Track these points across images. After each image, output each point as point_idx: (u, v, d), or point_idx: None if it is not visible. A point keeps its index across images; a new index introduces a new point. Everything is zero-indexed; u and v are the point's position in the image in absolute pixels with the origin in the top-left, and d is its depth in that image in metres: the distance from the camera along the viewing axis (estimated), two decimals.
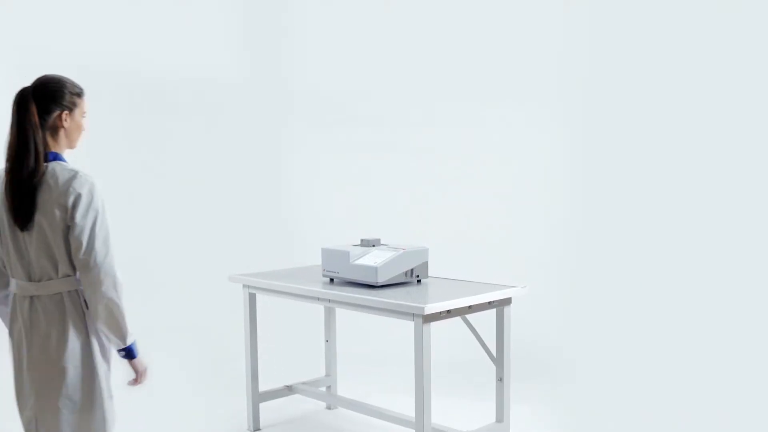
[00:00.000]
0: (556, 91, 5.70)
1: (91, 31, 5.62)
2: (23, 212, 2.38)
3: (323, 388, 4.67)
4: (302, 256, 4.90)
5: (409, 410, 3.86)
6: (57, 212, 2.37)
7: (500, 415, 3.81)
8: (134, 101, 5.74)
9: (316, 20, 6.16)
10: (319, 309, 4.78)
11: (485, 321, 3.81)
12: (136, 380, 2.60)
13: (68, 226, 2.39)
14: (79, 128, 2.55)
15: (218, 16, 6.04)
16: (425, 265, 3.92)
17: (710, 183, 5.02)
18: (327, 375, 4.71)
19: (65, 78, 2.53)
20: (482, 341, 3.82)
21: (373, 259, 3.81)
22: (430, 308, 3.28)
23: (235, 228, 6.10)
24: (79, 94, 2.54)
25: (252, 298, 4.23)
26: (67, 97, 2.49)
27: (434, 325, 3.36)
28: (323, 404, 4.72)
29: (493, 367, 3.80)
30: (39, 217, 2.39)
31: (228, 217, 6.09)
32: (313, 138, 6.28)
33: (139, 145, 5.68)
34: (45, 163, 2.41)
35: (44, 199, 2.38)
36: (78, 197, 2.37)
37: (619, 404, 4.58)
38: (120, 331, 2.46)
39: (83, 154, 5.54)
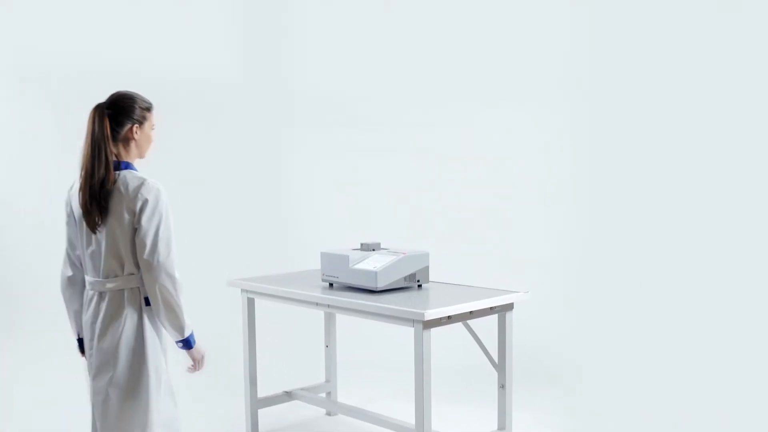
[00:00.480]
0: (557, 92, 5.63)
1: (90, 31, 5.58)
2: (95, 216, 2.64)
3: (323, 394, 4.60)
4: (301, 260, 4.84)
5: (410, 417, 3.79)
6: (126, 216, 2.63)
7: (502, 423, 3.74)
8: None
9: (316, 21, 6.11)
10: (319, 314, 4.72)
11: (487, 326, 3.74)
12: (194, 367, 2.85)
13: (135, 229, 2.63)
14: (148, 140, 2.80)
15: (218, 17, 5.99)
16: (426, 269, 3.85)
17: (715, 184, 4.95)
18: (327, 381, 4.64)
19: (137, 94, 2.78)
20: (484, 347, 3.75)
21: (372, 263, 3.74)
22: (431, 314, 3.21)
23: (233, 231, 6.03)
24: (149, 108, 2.79)
25: (250, 303, 4.17)
26: (138, 111, 2.73)
27: (435, 331, 3.30)
28: (323, 411, 4.65)
29: (495, 374, 3.73)
30: (111, 220, 2.64)
31: (226, 220, 6.03)
32: (312, 139, 6.22)
33: None
34: (117, 172, 2.67)
35: (115, 204, 2.63)
36: (145, 202, 2.62)
37: (624, 411, 4.51)
38: (178, 324, 2.70)
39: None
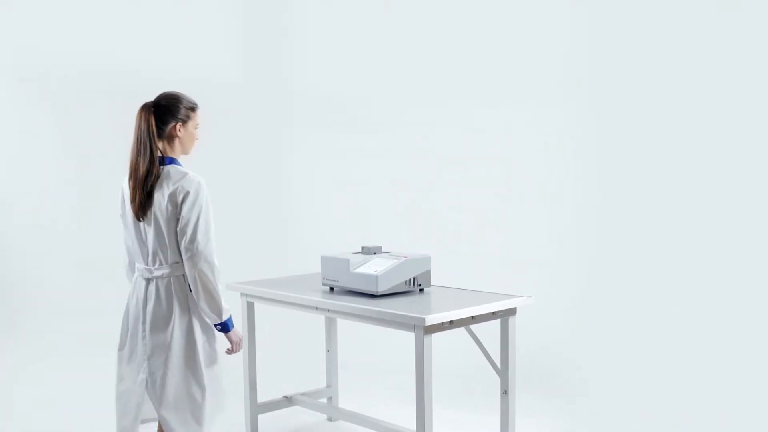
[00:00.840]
0: (558, 92, 5.55)
1: (89, 31, 5.52)
2: (140, 206, 2.85)
3: (324, 400, 4.54)
4: (301, 263, 4.77)
5: (413, 423, 3.72)
6: (170, 207, 2.82)
7: (505, 429, 3.66)
8: (133, 102, 5.61)
9: (317, 21, 6.03)
10: (320, 318, 4.65)
11: (490, 330, 3.67)
12: (232, 349, 3.05)
13: (177, 219, 2.82)
14: (191, 138, 2.99)
15: (218, 16, 5.93)
16: (428, 273, 3.78)
17: (718, 185, 4.90)
18: (328, 386, 4.57)
19: (182, 94, 2.98)
20: (486, 352, 3.68)
21: (373, 267, 3.68)
22: (432, 319, 3.14)
23: (232, 234, 5.93)
24: (193, 108, 2.99)
25: (250, 307, 4.12)
26: (183, 111, 2.94)
27: (437, 336, 3.23)
28: (324, 416, 4.58)
29: (498, 379, 3.66)
30: (156, 211, 2.84)
31: (226, 222, 5.93)
32: (313, 140, 6.13)
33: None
34: (162, 166, 2.88)
35: (160, 196, 2.83)
36: (186, 194, 2.81)
37: (629, 417, 4.44)
38: (217, 308, 2.88)
39: (85, 156, 5.47)
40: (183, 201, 2.81)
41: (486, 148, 5.73)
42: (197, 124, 3.01)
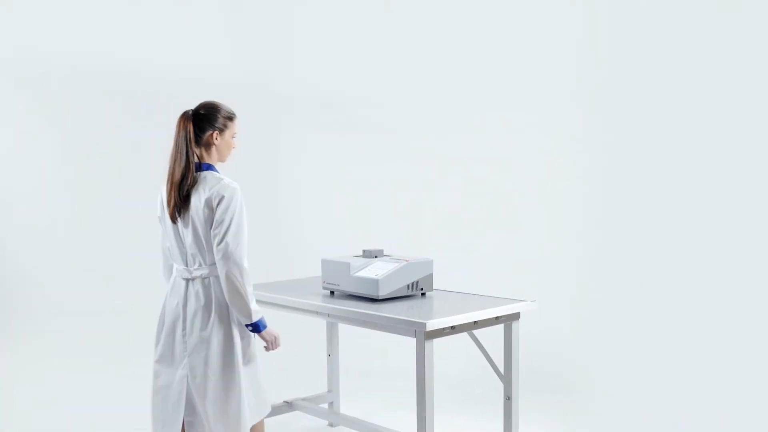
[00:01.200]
0: (563, 95, 5.50)
1: (88, 31, 5.48)
2: (175, 208, 2.97)
3: (325, 405, 4.48)
4: (302, 266, 4.71)
5: (414, 429, 3.66)
6: (206, 211, 2.92)
7: None
8: (132, 102, 5.57)
9: (318, 21, 5.97)
10: (321, 322, 4.60)
11: (492, 335, 3.60)
12: (268, 348, 3.11)
13: (211, 223, 2.92)
14: (228, 146, 3.11)
15: (218, 16, 5.87)
16: (430, 277, 3.73)
17: (727, 190, 4.84)
18: (329, 391, 4.51)
19: (222, 104, 3.09)
20: (489, 358, 3.62)
21: (374, 271, 3.62)
22: (433, 324, 3.08)
23: None
24: (231, 118, 3.10)
25: None
26: (220, 120, 3.05)
27: (438, 340, 3.17)
28: (325, 422, 4.52)
29: (501, 384, 3.60)
30: (193, 215, 2.95)
31: None
32: (314, 142, 6.06)
33: (136, 149, 5.52)
34: (199, 172, 2.99)
35: (197, 200, 2.94)
36: (221, 199, 2.91)
37: (636, 423, 4.37)
38: (245, 310, 2.96)
39: (84, 156, 5.41)
40: (218, 205, 2.91)
41: (489, 150, 5.67)
42: (234, 133, 3.12)
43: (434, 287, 3.87)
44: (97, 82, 5.45)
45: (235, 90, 5.96)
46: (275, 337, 3.11)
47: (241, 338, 3.06)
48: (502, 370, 3.59)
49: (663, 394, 4.61)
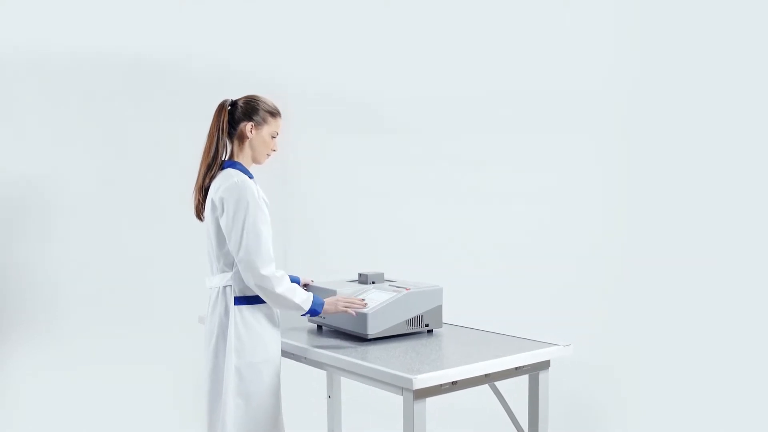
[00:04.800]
0: (598, 116, 4.72)
1: (88, 27, 4.89)
2: (196, 206, 2.74)
3: None
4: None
5: None
6: (212, 215, 2.64)
7: None
8: (133, 101, 4.96)
9: (320, 21, 5.22)
10: None
11: (515, 382, 2.81)
12: (348, 312, 2.74)
13: (218, 228, 2.64)
14: (265, 145, 2.75)
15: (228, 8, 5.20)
16: (438, 310, 2.96)
17: None
18: None
19: (266, 98, 2.78)
20: (512, 413, 2.84)
21: (366, 302, 2.88)
22: (424, 380, 2.31)
23: None
24: (273, 113, 2.75)
25: None
26: (260, 113, 2.72)
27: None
28: None
29: None
30: (207, 215, 2.68)
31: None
32: (316, 145, 5.26)
33: (135, 150, 4.92)
34: (223, 169, 2.68)
35: (211, 198, 2.64)
36: (224, 204, 2.58)
37: None
38: (293, 306, 2.63)
39: (75, 157, 4.85)
40: (223, 212, 2.59)
41: (516, 175, 4.85)
42: (275, 132, 2.77)
43: (449, 321, 3.13)
44: (96, 79, 4.84)
45: (239, 87, 5.31)
46: (346, 303, 2.73)
47: (236, 359, 2.63)
48: (525, 429, 2.80)
49: None
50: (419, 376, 2.30)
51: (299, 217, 5.01)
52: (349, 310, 2.73)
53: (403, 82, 4.98)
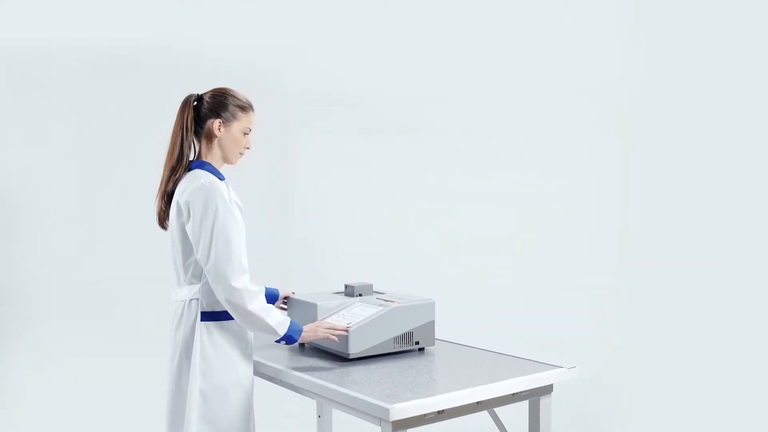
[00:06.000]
0: (608, 119, 4.42)
1: (90, 21, 4.68)
2: (158, 212, 2.47)
3: None
4: (299, 282, 3.71)
5: None
6: (177, 221, 2.37)
7: None
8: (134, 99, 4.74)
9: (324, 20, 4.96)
10: None
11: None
12: (332, 339, 2.48)
13: (184, 235, 2.37)
14: (236, 143, 2.48)
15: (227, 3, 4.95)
16: (430, 326, 2.68)
17: None
18: None
19: (236, 91, 2.51)
20: None
21: (348, 317, 2.60)
22: (403, 410, 2.02)
23: None
24: (244, 108, 2.48)
25: None
26: (229, 108, 2.45)
27: None
28: None
29: None
30: (171, 221, 2.42)
31: None
32: (315, 144, 4.96)
33: (111, 148, 4.70)
34: (190, 170, 2.41)
35: (176, 202, 2.37)
36: (190, 208, 2.31)
37: None
38: (266, 328, 2.36)
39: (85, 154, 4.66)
40: (189, 217, 2.32)
41: (522, 181, 4.57)
42: (247, 129, 2.49)
43: (445, 337, 2.86)
44: (94, 76, 4.62)
45: (240, 83, 5.06)
46: (326, 330, 2.45)
47: (199, 381, 2.36)
48: None
49: None
50: (397, 406, 2.01)
51: (295, 221, 4.75)
52: (331, 337, 2.46)
53: (402, 82, 4.73)
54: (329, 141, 4.83)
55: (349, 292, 2.86)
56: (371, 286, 2.88)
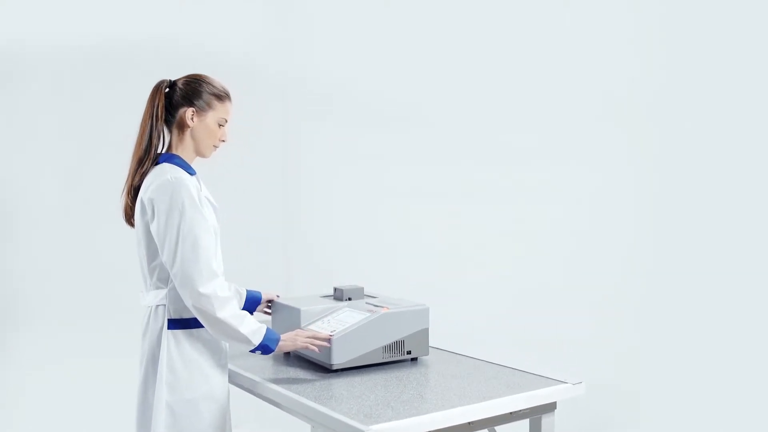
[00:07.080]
0: (613, 119, 4.15)
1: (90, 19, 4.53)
2: (124, 209, 2.29)
3: None
4: (298, 287, 3.52)
5: None
6: (141, 219, 2.19)
7: None
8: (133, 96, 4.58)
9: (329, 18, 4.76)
10: None
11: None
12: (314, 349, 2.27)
13: (149, 234, 2.19)
14: (210, 134, 2.28)
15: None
16: (423, 334, 2.44)
17: None
18: None
19: (212, 78, 2.31)
20: None
21: (333, 324, 2.38)
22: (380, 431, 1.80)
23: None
24: (220, 97, 2.28)
25: None
26: (204, 96, 2.25)
27: None
28: None
29: None
30: (137, 221, 2.23)
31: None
32: (314, 143, 4.76)
33: (125, 149, 4.54)
34: (158, 163, 2.23)
35: (140, 199, 2.20)
36: (154, 206, 2.13)
37: None
38: (239, 337, 2.15)
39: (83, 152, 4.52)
40: (153, 215, 2.13)
41: (526, 185, 4.34)
42: (223, 120, 2.28)
43: (441, 345, 2.63)
44: (94, 72, 4.48)
45: (242, 79, 4.85)
46: (305, 339, 2.24)
47: (166, 393, 2.17)
48: None
49: None
50: (374, 427, 1.79)
51: (295, 221, 4.56)
52: (311, 346, 2.24)
53: (402, 82, 4.55)
54: (329, 140, 4.65)
55: (338, 295, 2.64)
56: (362, 289, 2.66)
